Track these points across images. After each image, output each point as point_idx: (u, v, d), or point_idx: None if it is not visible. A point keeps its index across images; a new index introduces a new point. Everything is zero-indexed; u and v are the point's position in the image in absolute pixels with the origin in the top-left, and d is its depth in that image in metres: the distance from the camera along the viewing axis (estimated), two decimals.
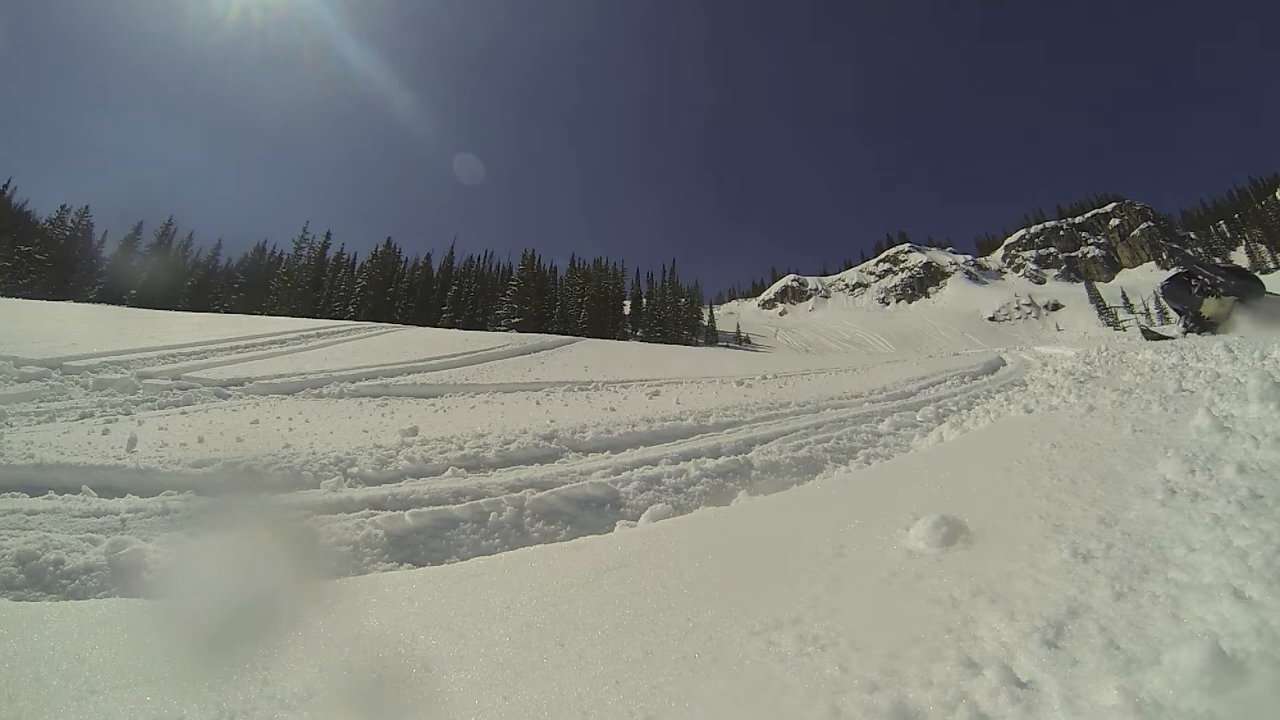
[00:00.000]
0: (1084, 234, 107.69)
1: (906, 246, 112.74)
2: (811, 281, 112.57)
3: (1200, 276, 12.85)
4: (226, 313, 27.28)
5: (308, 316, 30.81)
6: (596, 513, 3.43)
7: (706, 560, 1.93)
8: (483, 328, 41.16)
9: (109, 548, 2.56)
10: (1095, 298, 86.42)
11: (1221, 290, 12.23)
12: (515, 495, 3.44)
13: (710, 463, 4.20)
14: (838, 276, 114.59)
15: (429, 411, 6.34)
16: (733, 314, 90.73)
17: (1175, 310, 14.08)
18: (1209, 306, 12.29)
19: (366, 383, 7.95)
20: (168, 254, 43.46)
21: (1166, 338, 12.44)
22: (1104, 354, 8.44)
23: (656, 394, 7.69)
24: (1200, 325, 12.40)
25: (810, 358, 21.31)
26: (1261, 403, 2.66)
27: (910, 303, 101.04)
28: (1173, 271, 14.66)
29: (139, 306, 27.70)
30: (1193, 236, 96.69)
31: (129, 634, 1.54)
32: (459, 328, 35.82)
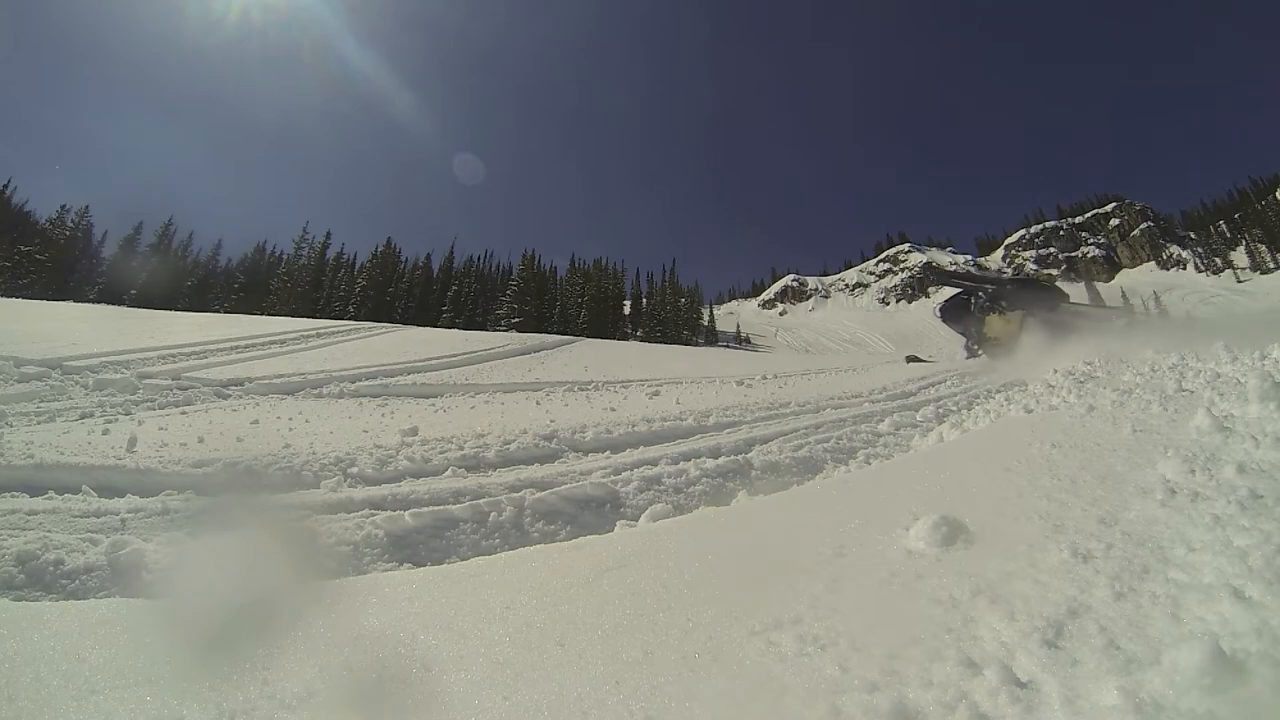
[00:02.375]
0: (1084, 234, 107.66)
1: (906, 246, 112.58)
2: (811, 281, 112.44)
3: (979, 294, 11.58)
4: (226, 313, 27.27)
5: (308, 316, 30.76)
6: (596, 513, 3.43)
7: (706, 560, 1.93)
8: (483, 328, 41.12)
9: (109, 548, 2.55)
10: (1095, 298, 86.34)
11: (1005, 306, 11.03)
12: (515, 495, 3.44)
13: (710, 463, 4.20)
14: (838, 276, 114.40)
15: (429, 411, 6.34)
16: (733, 314, 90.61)
17: (959, 333, 12.74)
18: (993, 325, 10.97)
19: (366, 383, 7.94)
20: (168, 254, 43.46)
21: (924, 361, 11.27)
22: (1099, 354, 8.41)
23: (656, 394, 7.69)
24: (987, 346, 11.01)
25: (810, 358, 21.30)
26: (1261, 403, 2.66)
27: (910, 303, 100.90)
28: (951, 293, 13.34)
29: (139, 306, 27.67)
30: (1193, 236, 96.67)
31: (129, 634, 1.54)
32: (459, 328, 35.80)
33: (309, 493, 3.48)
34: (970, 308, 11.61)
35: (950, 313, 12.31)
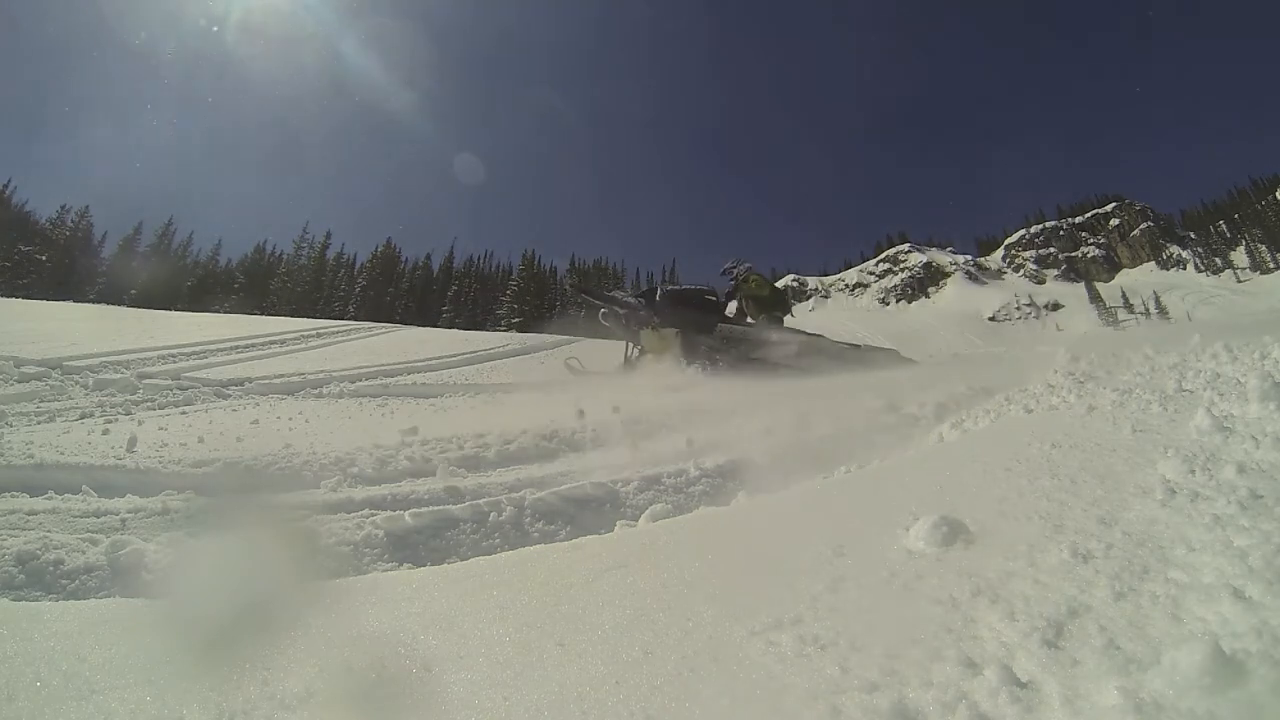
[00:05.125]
0: (1084, 234, 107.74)
1: (906, 246, 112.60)
2: (811, 281, 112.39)
3: (627, 307, 10.75)
4: (226, 313, 27.27)
5: (308, 316, 30.77)
6: (596, 512, 3.43)
7: (706, 560, 1.93)
8: (483, 328, 41.13)
9: (109, 548, 2.55)
10: (1095, 298, 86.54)
11: (658, 322, 10.27)
12: (515, 495, 3.44)
13: (710, 462, 4.20)
14: (838, 276, 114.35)
15: (429, 411, 6.34)
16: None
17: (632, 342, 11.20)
18: (650, 341, 10.37)
19: (366, 383, 7.94)
20: (167, 254, 43.56)
21: (588, 372, 10.50)
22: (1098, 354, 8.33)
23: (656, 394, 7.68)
24: (647, 361, 10.41)
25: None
26: (1261, 403, 2.65)
27: (910, 303, 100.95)
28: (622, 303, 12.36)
29: (139, 306, 27.68)
30: (1193, 236, 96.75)
31: (129, 634, 1.54)
32: (459, 328, 35.80)
33: (309, 493, 3.48)
34: (625, 321, 10.70)
35: (610, 323, 11.05)
